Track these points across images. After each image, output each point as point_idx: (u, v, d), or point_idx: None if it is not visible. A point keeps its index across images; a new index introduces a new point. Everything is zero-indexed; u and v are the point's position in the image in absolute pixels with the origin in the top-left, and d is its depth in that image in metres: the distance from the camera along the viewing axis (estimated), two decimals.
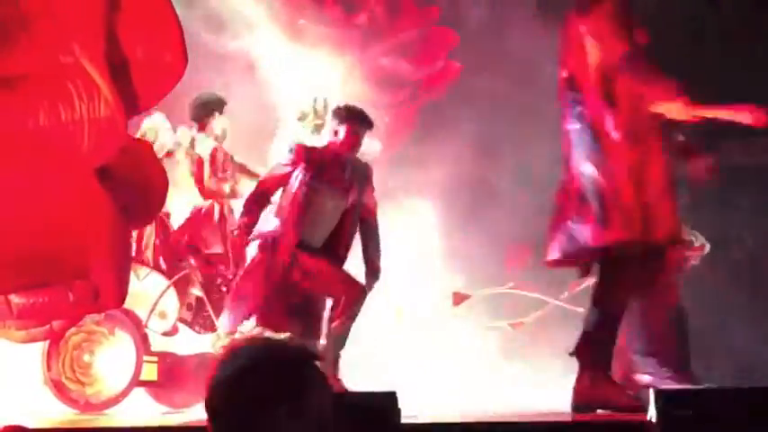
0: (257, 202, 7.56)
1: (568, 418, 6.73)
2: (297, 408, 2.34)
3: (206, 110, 8.78)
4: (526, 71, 9.33)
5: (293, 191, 7.42)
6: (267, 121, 9.46)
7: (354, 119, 7.49)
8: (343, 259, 7.54)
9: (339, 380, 7.15)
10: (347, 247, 7.57)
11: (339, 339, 7.36)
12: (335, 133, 7.53)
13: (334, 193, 7.49)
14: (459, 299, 9.50)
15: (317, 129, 8.97)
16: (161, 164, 7.21)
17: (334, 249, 7.51)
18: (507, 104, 9.76)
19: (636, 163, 6.51)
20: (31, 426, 3.24)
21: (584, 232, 6.53)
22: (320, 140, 8.37)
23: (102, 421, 7.56)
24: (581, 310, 8.90)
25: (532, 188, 9.29)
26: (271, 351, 2.42)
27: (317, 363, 2.42)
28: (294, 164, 7.47)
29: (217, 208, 8.73)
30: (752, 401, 4.99)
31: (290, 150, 7.61)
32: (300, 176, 7.42)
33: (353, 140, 7.49)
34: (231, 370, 2.36)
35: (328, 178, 7.46)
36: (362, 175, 7.59)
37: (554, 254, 6.69)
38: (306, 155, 7.49)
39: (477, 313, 9.57)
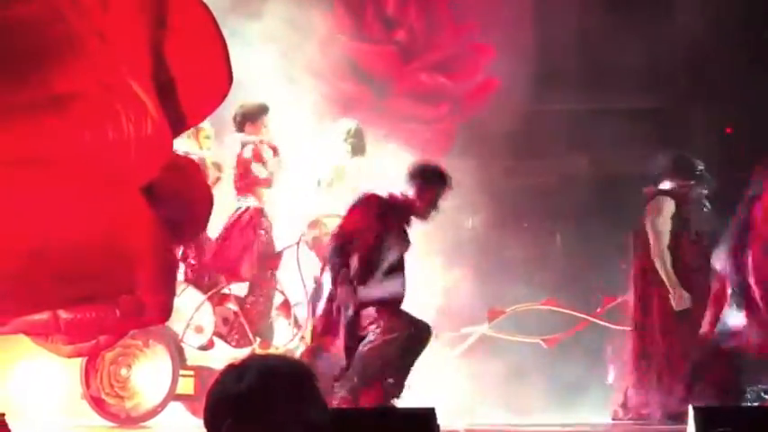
0: (341, 256, 7.37)
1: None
2: (299, 417, 2.60)
3: (249, 117, 8.93)
4: None
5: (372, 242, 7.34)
6: None
7: (434, 180, 7.49)
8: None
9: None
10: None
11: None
12: (415, 190, 7.45)
13: (403, 239, 7.49)
14: (493, 315, 9.51)
15: (355, 150, 9.06)
16: (207, 182, 7.26)
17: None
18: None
19: None
20: None
21: None
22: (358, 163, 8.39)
23: None
24: (613, 326, 8.97)
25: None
26: (274, 367, 2.67)
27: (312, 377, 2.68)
28: (374, 215, 7.39)
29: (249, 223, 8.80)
30: None
31: (363, 200, 7.52)
32: (377, 226, 7.37)
33: (431, 197, 7.46)
34: (240, 386, 2.64)
35: (399, 226, 7.44)
36: None
37: None
38: (383, 205, 7.43)
39: (512, 329, 9.57)
